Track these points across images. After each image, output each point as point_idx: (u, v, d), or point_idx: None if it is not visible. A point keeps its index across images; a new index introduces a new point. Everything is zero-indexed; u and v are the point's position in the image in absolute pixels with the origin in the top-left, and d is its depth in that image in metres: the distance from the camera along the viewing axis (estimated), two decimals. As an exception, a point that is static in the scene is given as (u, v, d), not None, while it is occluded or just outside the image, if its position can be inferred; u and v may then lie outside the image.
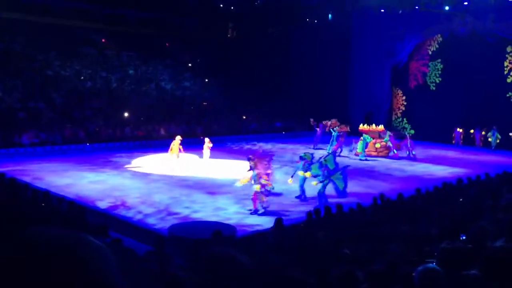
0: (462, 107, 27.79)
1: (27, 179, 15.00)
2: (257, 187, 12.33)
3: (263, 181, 12.43)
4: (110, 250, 1.01)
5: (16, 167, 17.73)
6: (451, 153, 24.58)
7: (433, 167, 20.65)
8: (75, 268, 0.92)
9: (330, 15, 29.88)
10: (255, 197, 12.37)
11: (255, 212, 12.29)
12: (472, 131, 27.06)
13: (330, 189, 13.56)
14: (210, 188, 15.39)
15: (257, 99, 29.14)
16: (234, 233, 9.99)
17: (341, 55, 32.24)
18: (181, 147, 18.37)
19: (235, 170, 17.41)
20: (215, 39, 33.25)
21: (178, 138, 18.52)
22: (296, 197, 14.03)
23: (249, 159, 13.05)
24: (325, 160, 13.51)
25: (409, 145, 23.12)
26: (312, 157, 14.12)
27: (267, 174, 12.97)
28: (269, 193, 12.73)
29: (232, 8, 28.94)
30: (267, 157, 14.03)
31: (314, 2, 26.62)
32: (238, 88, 29.19)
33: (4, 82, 24.55)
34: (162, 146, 24.17)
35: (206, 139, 19.14)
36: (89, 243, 0.98)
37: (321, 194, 12.96)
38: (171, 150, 18.41)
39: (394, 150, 23.00)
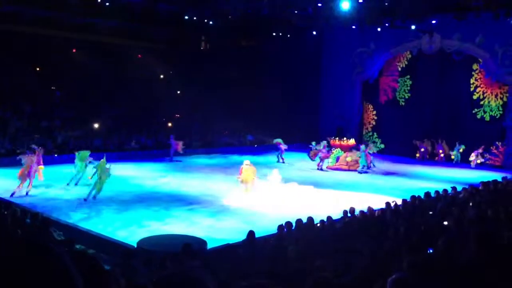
0: (429, 123, 28.47)
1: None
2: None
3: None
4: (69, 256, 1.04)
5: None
6: (416, 168, 25.01)
7: (399, 180, 20.98)
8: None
9: (301, 30, 30.27)
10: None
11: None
12: (436, 144, 27.67)
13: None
14: (185, 201, 15.24)
15: (230, 112, 29.13)
16: (204, 246, 9.89)
17: (312, 69, 32.67)
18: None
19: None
20: (188, 51, 33.20)
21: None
22: None
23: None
24: None
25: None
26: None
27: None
28: None
29: (205, 21, 28.93)
30: None
31: (286, 16, 26.89)
32: (210, 101, 29.14)
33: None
34: (134, 157, 23.91)
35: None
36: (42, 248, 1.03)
37: None
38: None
39: (371, 164, 23.22)
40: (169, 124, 28.96)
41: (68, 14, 26.87)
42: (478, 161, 24.91)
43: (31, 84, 27.68)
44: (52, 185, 16.84)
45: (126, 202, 14.92)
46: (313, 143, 24.83)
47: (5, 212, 9.57)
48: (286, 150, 25.61)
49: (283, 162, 24.95)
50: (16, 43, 26.14)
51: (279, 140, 25.51)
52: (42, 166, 15.70)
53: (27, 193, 15.10)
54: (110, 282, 2.03)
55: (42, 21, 27.14)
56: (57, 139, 24.22)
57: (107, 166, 15.29)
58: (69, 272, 1.01)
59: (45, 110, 26.60)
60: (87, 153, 17.34)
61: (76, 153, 17.58)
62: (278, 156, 25.44)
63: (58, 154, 22.45)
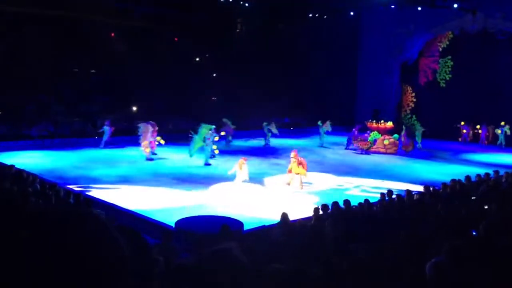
0: (471, 104, 27.62)
1: (36, 171, 15.09)
2: None
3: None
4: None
5: (25, 159, 17.87)
6: (458, 151, 24.39)
7: (438, 165, 20.51)
8: (75, 232, 1.03)
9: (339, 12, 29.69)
10: None
11: None
12: (478, 127, 26.87)
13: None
14: (222, 183, 15.39)
15: (266, 95, 29.05)
16: (241, 227, 9.98)
17: (349, 51, 32.12)
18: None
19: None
20: (224, 35, 33.15)
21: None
22: None
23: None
24: None
25: (403, 140, 23.08)
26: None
27: None
28: None
29: (241, 3, 28.78)
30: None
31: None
32: (247, 83, 29.11)
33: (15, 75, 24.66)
34: (170, 139, 24.23)
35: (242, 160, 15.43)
36: (84, 213, 1.09)
37: None
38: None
39: (403, 148, 22.86)
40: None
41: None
42: None
43: (71, 68, 28.39)
44: (94, 167, 17.34)
45: (165, 183, 15.19)
46: (319, 122, 25.01)
47: (50, 193, 9.91)
48: (274, 134, 24.54)
49: (227, 145, 23.64)
50: (56, 27, 26.69)
51: (227, 121, 24.10)
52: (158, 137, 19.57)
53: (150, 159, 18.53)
54: (151, 255, 2.10)
55: (82, 6, 27.59)
56: (96, 122, 24.81)
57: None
58: (115, 238, 1.05)
59: (84, 94, 27.23)
60: (209, 127, 18.63)
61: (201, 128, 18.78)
62: (226, 141, 23.75)
63: (97, 137, 23.04)
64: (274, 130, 24.48)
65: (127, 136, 24.17)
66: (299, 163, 15.19)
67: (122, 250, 1.05)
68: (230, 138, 24.08)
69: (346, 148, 24.03)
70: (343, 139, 25.08)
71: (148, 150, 18.95)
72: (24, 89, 24.94)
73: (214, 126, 19.17)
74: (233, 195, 13.93)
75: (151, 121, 19.46)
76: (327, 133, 25.38)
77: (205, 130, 18.25)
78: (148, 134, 18.84)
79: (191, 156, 18.20)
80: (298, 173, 15.12)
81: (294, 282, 3.47)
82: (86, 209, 8.53)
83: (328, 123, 24.94)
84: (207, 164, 18.26)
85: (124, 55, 28.46)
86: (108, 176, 15.97)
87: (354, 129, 24.43)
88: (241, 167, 14.83)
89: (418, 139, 24.00)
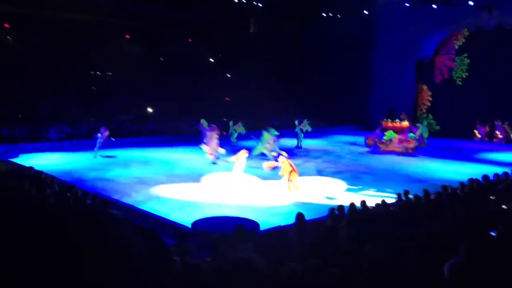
0: (488, 103, 27.25)
1: (54, 172, 15.28)
2: None
3: None
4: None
5: (44, 161, 18.11)
6: (474, 150, 24.09)
7: (456, 163, 20.29)
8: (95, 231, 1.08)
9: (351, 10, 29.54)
10: None
11: None
12: (496, 124, 26.46)
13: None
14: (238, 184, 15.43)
15: (277, 95, 29.05)
16: (256, 228, 10.00)
17: (363, 50, 31.93)
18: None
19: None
20: (237, 34, 33.21)
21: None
22: None
23: None
24: None
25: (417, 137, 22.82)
26: None
27: None
28: None
29: (253, 3, 28.82)
30: None
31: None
32: (259, 84, 29.14)
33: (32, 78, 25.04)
34: (184, 141, 24.32)
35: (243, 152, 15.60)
36: (105, 213, 1.13)
37: None
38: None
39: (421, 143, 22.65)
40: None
41: (120, 2, 27.47)
42: None
43: (87, 70, 28.74)
44: (110, 168, 17.51)
45: (180, 183, 15.27)
46: (296, 121, 24.36)
47: (68, 194, 10.03)
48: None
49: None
50: (72, 31, 27.00)
51: (203, 122, 21.62)
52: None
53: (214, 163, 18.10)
54: (169, 256, 2.12)
55: (97, 9, 27.86)
56: (112, 123, 25.06)
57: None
58: (131, 238, 1.07)
59: (100, 95, 27.52)
60: (273, 132, 18.48)
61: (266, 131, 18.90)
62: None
63: (114, 138, 23.21)
64: (307, 128, 23.72)
65: (138, 138, 24.37)
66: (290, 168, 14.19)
67: (138, 250, 1.07)
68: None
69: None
70: (357, 139, 24.88)
71: (212, 155, 18.52)
72: (42, 92, 25.31)
73: (278, 133, 18.77)
74: (248, 193, 13.93)
75: (212, 125, 19.16)
76: (305, 133, 24.11)
77: (269, 136, 18.01)
78: (213, 140, 18.49)
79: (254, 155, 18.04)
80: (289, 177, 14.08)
81: (310, 281, 3.46)
82: (103, 210, 8.63)
83: (305, 122, 23.95)
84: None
85: (138, 57, 28.70)
86: (124, 177, 16.12)
87: (377, 130, 23.86)
88: (239, 158, 14.93)
89: (425, 135, 23.51)
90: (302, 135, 24.03)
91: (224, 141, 21.64)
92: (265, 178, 15.68)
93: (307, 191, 14.27)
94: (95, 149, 19.31)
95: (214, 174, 16.97)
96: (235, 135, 24.06)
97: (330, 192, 14.61)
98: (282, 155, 14.96)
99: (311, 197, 13.90)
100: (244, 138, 23.99)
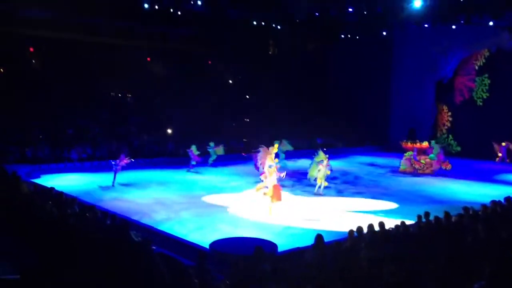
0: (510, 123, 26.86)
1: (75, 193, 15.48)
2: None
3: None
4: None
5: (65, 181, 18.36)
6: (496, 171, 23.68)
7: (477, 184, 19.96)
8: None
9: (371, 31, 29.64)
10: None
11: None
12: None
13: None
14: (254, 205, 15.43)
15: (298, 116, 29.12)
16: (274, 249, 9.94)
17: (382, 70, 31.92)
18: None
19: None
20: (256, 56, 33.54)
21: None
22: None
23: None
24: None
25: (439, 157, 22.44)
26: None
27: None
28: None
29: (273, 25, 29.18)
30: None
31: (355, 18, 26.49)
32: (279, 104, 29.26)
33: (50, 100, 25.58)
34: (204, 162, 24.42)
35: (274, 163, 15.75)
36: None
37: None
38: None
39: (443, 166, 22.27)
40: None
41: (144, 24, 28.04)
42: None
43: (108, 91, 29.27)
44: (129, 189, 17.67)
45: (199, 204, 15.31)
46: (211, 143, 23.48)
47: (87, 214, 10.13)
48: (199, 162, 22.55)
49: (189, 171, 22.10)
50: (94, 53, 27.62)
51: (193, 148, 22.19)
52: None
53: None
54: (190, 279, 2.14)
55: (118, 32, 28.54)
56: (133, 143, 25.35)
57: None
58: (160, 269, 1.11)
59: (121, 116, 27.93)
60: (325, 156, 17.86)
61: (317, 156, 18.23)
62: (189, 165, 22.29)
63: (134, 158, 23.44)
64: (288, 148, 22.17)
65: (159, 158, 24.56)
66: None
67: (163, 276, 1.10)
68: (194, 162, 22.41)
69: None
70: (376, 160, 24.65)
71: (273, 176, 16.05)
72: (64, 114, 25.82)
73: (328, 156, 18.04)
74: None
75: (263, 146, 17.61)
76: (287, 153, 22.74)
77: (321, 156, 17.68)
78: (265, 160, 16.55)
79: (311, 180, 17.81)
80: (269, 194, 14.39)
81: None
82: (134, 239, 8.69)
83: (285, 142, 21.88)
84: (318, 194, 17.24)
85: (159, 78, 29.15)
86: (143, 197, 16.24)
87: (414, 152, 23.26)
88: (271, 174, 14.82)
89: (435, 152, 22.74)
90: (214, 156, 23.33)
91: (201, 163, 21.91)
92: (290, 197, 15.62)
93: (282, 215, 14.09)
94: (113, 178, 18.62)
95: (230, 194, 16.99)
96: (214, 157, 23.40)
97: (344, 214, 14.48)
98: (280, 176, 15.29)
99: (328, 219, 13.79)
100: (221, 160, 23.97)
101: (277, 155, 17.52)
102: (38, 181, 17.97)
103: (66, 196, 11.82)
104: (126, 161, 19.02)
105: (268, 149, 16.68)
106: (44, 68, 27.82)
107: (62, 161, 22.19)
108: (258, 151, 17.20)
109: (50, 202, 10.69)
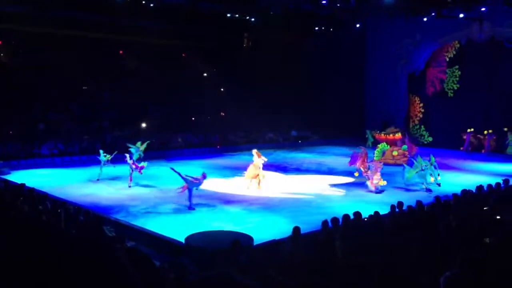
0: (480, 114, 27.44)
1: (46, 189, 15.17)
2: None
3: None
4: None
5: (36, 178, 17.98)
6: (465, 161, 24.17)
7: (449, 174, 20.36)
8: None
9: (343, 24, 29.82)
10: None
11: None
12: (485, 133, 26.51)
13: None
14: (227, 197, 15.41)
15: (273, 108, 29.15)
16: (250, 242, 9.94)
17: (355, 63, 32.16)
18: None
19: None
20: (231, 49, 33.37)
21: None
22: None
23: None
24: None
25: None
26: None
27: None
28: None
29: (247, 18, 29.06)
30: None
31: (328, 11, 26.58)
32: (254, 98, 29.22)
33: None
34: (178, 155, 24.25)
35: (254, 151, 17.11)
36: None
37: None
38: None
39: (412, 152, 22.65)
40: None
41: (116, 17, 27.51)
42: None
43: (81, 86, 28.74)
44: (104, 184, 17.41)
45: (176, 198, 15.18)
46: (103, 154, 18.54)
47: (59, 210, 9.95)
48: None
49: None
50: (68, 46, 27.02)
51: (133, 150, 17.65)
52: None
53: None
54: (161, 279, 2.09)
55: (92, 25, 27.96)
56: (106, 139, 24.96)
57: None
58: (124, 267, 1.06)
59: (94, 111, 27.47)
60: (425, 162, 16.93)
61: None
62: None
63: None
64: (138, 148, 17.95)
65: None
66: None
67: (131, 275, 1.05)
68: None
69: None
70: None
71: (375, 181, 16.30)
72: (35, 108, 25.24)
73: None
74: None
75: (362, 146, 17.48)
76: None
77: (421, 161, 16.81)
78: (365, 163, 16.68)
79: (406, 183, 17.14)
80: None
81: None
82: (97, 236, 8.56)
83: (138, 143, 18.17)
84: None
85: (133, 72, 28.73)
86: (117, 192, 16.02)
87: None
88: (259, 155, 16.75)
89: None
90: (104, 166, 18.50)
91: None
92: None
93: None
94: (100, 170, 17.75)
95: (207, 187, 16.93)
96: (137, 156, 17.97)
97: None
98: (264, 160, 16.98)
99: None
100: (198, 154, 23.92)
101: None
102: (8, 177, 17.57)
103: (37, 192, 11.60)
104: (139, 166, 17.03)
105: (366, 151, 17.12)
106: (13, 62, 27.10)
107: (32, 157, 21.72)
108: (359, 152, 16.94)
109: (21, 199, 10.47)
